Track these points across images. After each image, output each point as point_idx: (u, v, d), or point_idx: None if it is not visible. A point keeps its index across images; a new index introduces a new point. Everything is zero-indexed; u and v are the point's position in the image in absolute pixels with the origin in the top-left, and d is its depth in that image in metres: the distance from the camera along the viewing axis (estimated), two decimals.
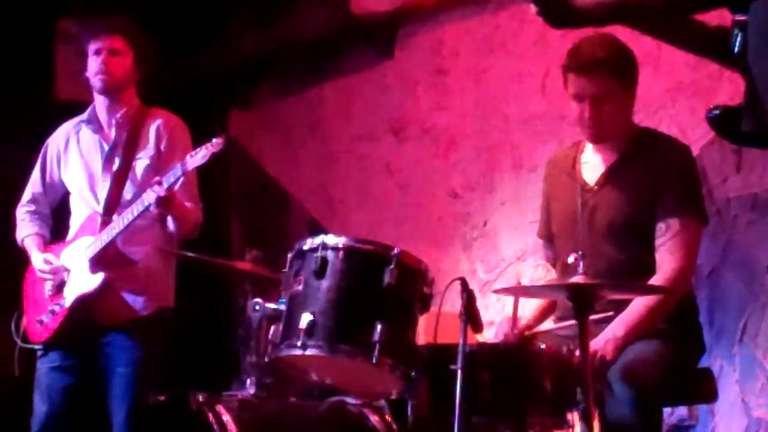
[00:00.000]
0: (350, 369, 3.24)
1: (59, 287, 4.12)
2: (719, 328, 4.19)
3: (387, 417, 3.72)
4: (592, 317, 3.12)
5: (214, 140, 3.82)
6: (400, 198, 5.58)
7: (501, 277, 5.03)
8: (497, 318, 4.33)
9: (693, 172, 3.58)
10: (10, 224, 4.38)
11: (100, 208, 4.16)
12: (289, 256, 3.28)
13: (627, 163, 3.57)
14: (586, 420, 3.01)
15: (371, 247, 3.23)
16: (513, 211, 5.02)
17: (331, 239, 3.20)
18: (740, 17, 2.24)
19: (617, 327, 3.34)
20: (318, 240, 3.19)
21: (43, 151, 4.37)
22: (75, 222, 4.26)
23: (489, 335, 3.61)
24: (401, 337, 3.12)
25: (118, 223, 4.02)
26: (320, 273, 3.15)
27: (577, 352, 3.09)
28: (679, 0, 2.57)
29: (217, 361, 4.81)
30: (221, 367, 4.40)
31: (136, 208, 3.95)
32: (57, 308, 4.10)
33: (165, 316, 4.17)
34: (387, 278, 3.12)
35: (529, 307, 3.67)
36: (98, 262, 4.07)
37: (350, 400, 3.78)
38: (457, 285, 3.14)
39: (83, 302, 4.06)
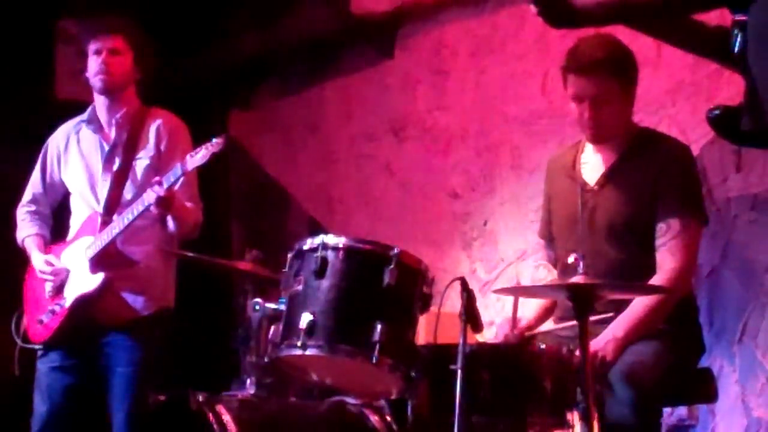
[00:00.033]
0: (350, 369, 3.24)
1: (59, 287, 4.12)
2: (719, 328, 4.20)
3: (387, 417, 3.72)
4: (593, 318, 3.12)
5: (214, 140, 3.82)
6: (400, 198, 5.58)
7: (501, 277, 5.03)
8: (497, 318, 4.33)
9: (693, 172, 3.58)
10: (10, 224, 4.38)
11: (100, 208, 4.16)
12: (289, 256, 3.27)
13: (627, 163, 3.57)
14: (586, 420, 3.01)
15: (371, 247, 3.22)
16: (513, 211, 5.02)
17: (331, 239, 3.20)
18: (740, 17, 2.24)
19: (617, 327, 3.33)
20: (318, 240, 3.19)
21: (43, 151, 4.37)
22: (75, 222, 4.26)
23: (489, 335, 3.61)
24: (401, 337, 3.12)
25: (118, 223, 4.02)
26: (320, 273, 3.15)
27: (578, 353, 3.09)
28: (679, 0, 2.57)
29: (217, 361, 4.81)
30: (221, 367, 4.40)
31: (136, 208, 3.95)
32: (57, 308, 4.10)
33: (165, 316, 4.17)
34: (387, 278, 3.12)
35: (530, 308, 3.67)
36: (98, 262, 4.07)
37: (350, 400, 3.78)
38: (457, 285, 3.14)
39: (83, 302, 4.07)
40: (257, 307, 3.75)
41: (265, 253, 4.04)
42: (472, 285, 3.21)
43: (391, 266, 3.12)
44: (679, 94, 4.40)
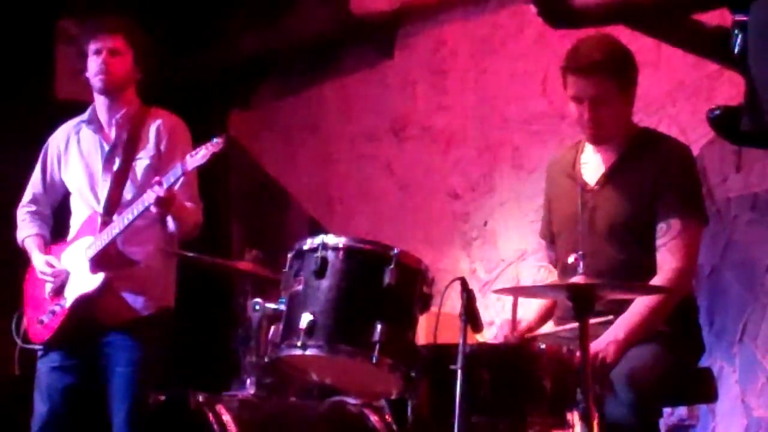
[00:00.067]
0: (350, 369, 3.24)
1: (60, 288, 4.12)
2: (719, 329, 4.20)
3: (387, 417, 3.72)
4: (593, 321, 3.12)
5: (214, 140, 3.82)
6: (400, 198, 5.58)
7: (501, 277, 5.03)
8: (497, 318, 4.34)
9: (693, 172, 3.57)
10: (11, 224, 4.38)
11: (100, 208, 4.16)
12: (289, 256, 3.27)
13: (627, 164, 3.57)
14: (586, 420, 3.01)
15: (371, 247, 3.23)
16: (513, 211, 5.02)
17: (331, 239, 3.20)
18: (740, 17, 2.24)
19: (618, 329, 3.33)
20: (318, 240, 3.19)
21: (43, 151, 4.37)
22: (75, 222, 4.26)
23: (489, 335, 3.61)
24: (401, 337, 3.12)
25: (119, 223, 4.02)
26: (320, 273, 3.15)
27: (578, 353, 3.09)
28: (679, 0, 2.57)
29: (217, 361, 4.81)
30: (221, 367, 4.40)
31: (137, 208, 3.95)
32: (57, 308, 4.10)
33: (165, 316, 4.17)
34: (387, 278, 3.12)
35: (531, 310, 3.67)
36: (98, 262, 4.07)
37: (350, 400, 3.78)
38: (457, 285, 3.14)
39: (84, 302, 4.07)
40: (257, 307, 3.75)
41: (265, 253, 4.04)
42: (472, 285, 3.21)
43: (391, 266, 3.12)
44: (679, 94, 4.41)
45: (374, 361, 3.05)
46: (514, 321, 3.51)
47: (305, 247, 3.22)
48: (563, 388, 3.11)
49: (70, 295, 4.09)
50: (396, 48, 5.61)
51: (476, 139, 5.22)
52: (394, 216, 5.56)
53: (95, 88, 4.21)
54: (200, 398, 3.61)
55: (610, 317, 3.35)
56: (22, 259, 4.32)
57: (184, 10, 6.02)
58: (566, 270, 3.38)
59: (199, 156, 3.82)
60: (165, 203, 3.92)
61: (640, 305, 3.36)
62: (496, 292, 3.66)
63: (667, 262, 3.42)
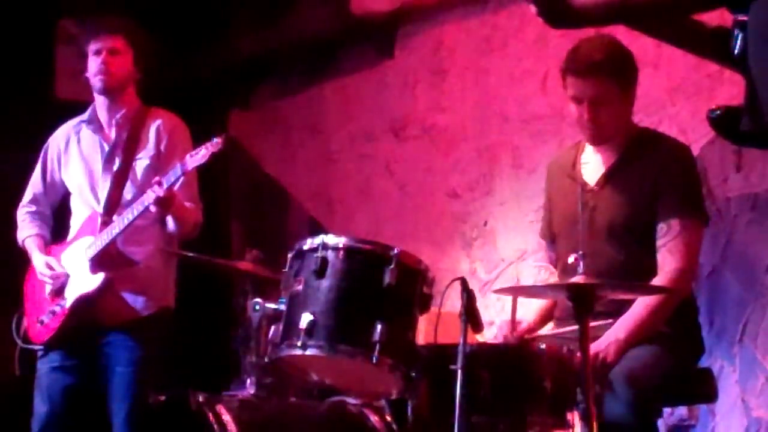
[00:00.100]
0: (350, 369, 3.24)
1: (60, 288, 4.12)
2: (719, 329, 4.19)
3: (387, 417, 3.72)
4: (593, 324, 3.11)
5: (213, 140, 3.82)
6: (400, 198, 5.58)
7: (501, 277, 5.03)
8: (497, 318, 4.34)
9: (693, 172, 3.57)
10: (11, 224, 4.38)
11: (100, 209, 4.16)
12: (289, 256, 3.27)
13: (627, 164, 3.56)
14: (586, 420, 3.01)
15: (371, 247, 3.23)
16: (513, 211, 5.02)
17: (331, 239, 3.20)
18: (741, 17, 2.23)
19: (619, 329, 3.33)
20: (318, 240, 3.19)
21: (43, 151, 4.37)
22: (75, 222, 4.26)
23: (489, 335, 3.61)
24: (401, 337, 3.12)
25: (118, 223, 4.02)
26: (320, 273, 3.15)
27: (578, 353, 3.09)
28: (679, 0, 2.56)
29: (217, 361, 4.81)
30: (221, 367, 4.40)
31: (136, 208, 3.95)
32: (57, 308, 4.10)
33: (165, 316, 4.17)
34: (387, 278, 3.12)
35: (531, 311, 3.67)
36: (99, 262, 4.07)
37: (350, 400, 3.78)
38: (457, 285, 3.14)
39: (84, 302, 4.06)
40: (257, 307, 3.75)
41: (265, 253, 4.04)
42: (472, 285, 3.21)
43: (391, 266, 3.12)
44: (679, 94, 4.40)
45: (374, 361, 3.05)
46: (513, 321, 3.51)
47: (305, 247, 3.22)
48: (563, 388, 3.11)
49: (71, 296, 4.09)
50: (396, 48, 5.61)
51: (476, 139, 5.22)
52: (394, 216, 5.56)
53: (95, 88, 4.21)
54: (200, 398, 3.60)
55: (609, 321, 3.35)
56: (22, 259, 4.32)
57: (184, 10, 6.02)
58: (566, 270, 3.38)
59: (199, 156, 3.82)
60: (165, 203, 3.92)
61: (641, 306, 3.36)
62: (496, 292, 3.66)
63: (667, 263, 3.42)
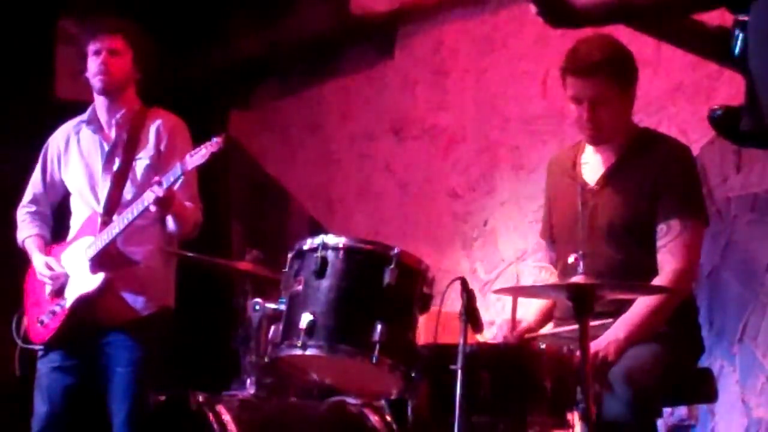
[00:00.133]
0: (350, 369, 3.24)
1: (60, 288, 4.12)
2: (719, 328, 4.19)
3: (387, 417, 3.72)
4: (593, 323, 3.11)
5: (213, 140, 3.82)
6: (400, 198, 5.58)
7: (501, 277, 5.03)
8: (497, 318, 4.34)
9: (693, 173, 3.57)
10: (11, 224, 4.38)
11: (100, 209, 4.16)
12: (289, 256, 3.28)
13: (627, 164, 3.56)
14: (586, 420, 3.01)
15: (371, 247, 3.23)
16: (513, 211, 5.02)
17: (331, 239, 3.20)
18: (741, 17, 2.24)
19: (619, 328, 3.33)
20: (318, 240, 3.19)
21: (43, 151, 4.37)
22: (75, 222, 4.26)
23: (489, 335, 3.61)
24: (401, 337, 3.12)
25: (118, 223, 4.02)
26: (320, 273, 3.15)
27: (578, 353, 3.09)
28: (679, 0, 2.57)
29: (217, 361, 4.81)
30: (221, 367, 4.40)
31: (136, 208, 3.95)
32: (57, 308, 4.10)
33: (165, 316, 4.17)
34: (387, 278, 3.12)
35: (531, 311, 3.67)
36: (98, 262, 4.06)
37: (350, 400, 3.78)
38: (457, 285, 3.14)
39: (84, 302, 4.06)
40: (257, 307, 3.75)
41: (265, 253, 4.04)
42: (473, 285, 3.21)
43: (391, 266, 3.12)
44: (679, 94, 4.40)
45: (374, 361, 3.05)
46: (513, 321, 3.51)
47: (305, 247, 3.22)
48: (563, 388, 3.11)
49: (71, 296, 4.09)
50: (396, 48, 5.61)
51: (476, 139, 5.22)
52: (394, 216, 5.56)
53: (95, 88, 4.21)
54: (200, 398, 3.61)
55: (609, 320, 3.35)
56: (22, 259, 4.32)
57: (183, 10, 6.02)
58: (566, 270, 3.38)
59: (199, 156, 3.82)
60: (165, 203, 3.92)
61: (641, 306, 3.36)
62: (496, 292, 3.66)
63: (667, 263, 3.42)
